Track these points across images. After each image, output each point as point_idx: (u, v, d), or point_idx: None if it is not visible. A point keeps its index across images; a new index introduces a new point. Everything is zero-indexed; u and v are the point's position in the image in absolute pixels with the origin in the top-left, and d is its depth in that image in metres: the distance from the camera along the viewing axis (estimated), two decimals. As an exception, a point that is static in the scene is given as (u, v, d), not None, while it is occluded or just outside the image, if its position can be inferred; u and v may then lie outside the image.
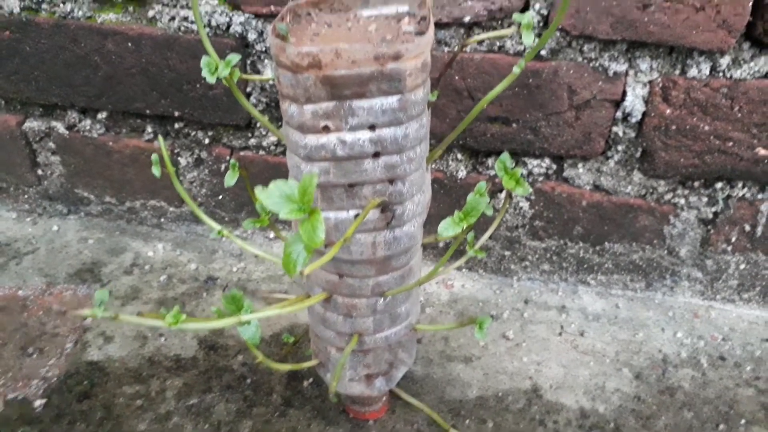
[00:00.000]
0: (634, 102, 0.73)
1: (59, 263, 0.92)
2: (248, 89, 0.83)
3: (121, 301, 0.86)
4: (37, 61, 0.87)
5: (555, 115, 0.76)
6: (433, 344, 0.78)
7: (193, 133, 0.90)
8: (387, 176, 0.48)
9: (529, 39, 0.44)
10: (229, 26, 0.79)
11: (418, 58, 0.43)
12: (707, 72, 0.70)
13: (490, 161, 0.82)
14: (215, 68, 0.49)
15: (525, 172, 0.81)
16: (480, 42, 0.73)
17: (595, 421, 0.69)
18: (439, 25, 0.72)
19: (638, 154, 0.77)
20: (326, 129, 0.46)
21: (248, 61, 0.81)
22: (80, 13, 0.82)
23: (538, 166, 0.80)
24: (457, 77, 0.75)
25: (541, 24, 0.71)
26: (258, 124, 0.86)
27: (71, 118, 0.93)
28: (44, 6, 0.82)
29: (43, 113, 0.94)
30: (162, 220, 0.98)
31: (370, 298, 0.56)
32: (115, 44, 0.83)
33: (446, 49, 0.74)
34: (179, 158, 0.92)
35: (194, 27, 0.80)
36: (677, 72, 0.71)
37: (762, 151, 0.72)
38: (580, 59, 0.72)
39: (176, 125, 0.89)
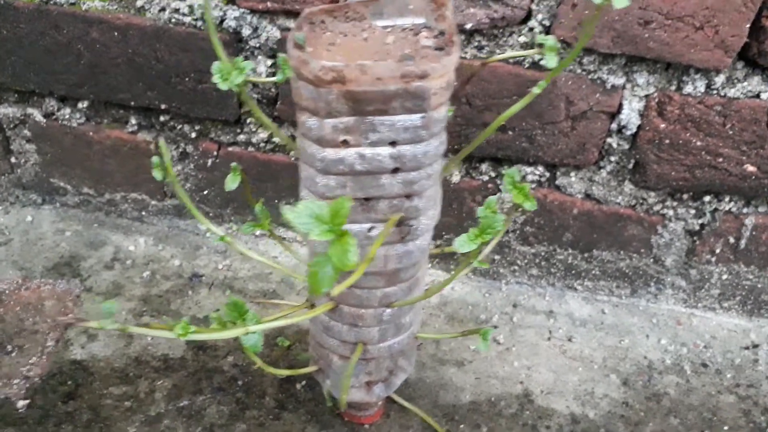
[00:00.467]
0: (630, 115, 0.74)
1: (35, 256, 0.89)
2: (241, 84, 0.81)
3: (103, 297, 0.83)
4: (14, 46, 0.83)
5: (551, 125, 0.76)
6: (425, 347, 0.78)
7: (179, 127, 0.87)
8: (404, 192, 0.47)
9: (553, 61, 0.44)
10: (222, 21, 0.76)
11: (443, 77, 0.43)
12: (702, 89, 0.71)
13: (483, 166, 0.82)
14: (228, 75, 0.47)
15: (518, 178, 0.81)
16: (480, 48, 0.73)
17: (586, 427, 0.71)
18: (441, 30, 0.72)
19: (630, 166, 0.78)
20: (345, 143, 0.45)
21: (241, 57, 0.79)
22: (64, -2, 0.79)
23: (531, 173, 0.81)
24: (455, 84, 0.74)
25: (542, 34, 0.71)
26: (248, 120, 0.85)
27: (49, 105, 0.89)
28: (27, -11, 0.78)
29: (19, 99, 0.90)
30: (143, 213, 0.96)
31: (377, 308, 0.55)
32: (100, 33, 0.80)
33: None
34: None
35: (185, 19, 0.77)
36: (673, 88, 0.72)
37: (750, 168, 0.74)
38: (579, 71, 0.72)
39: (161, 118, 0.87)
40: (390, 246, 0.50)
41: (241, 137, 0.86)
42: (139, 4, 0.77)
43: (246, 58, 0.79)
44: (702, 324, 0.84)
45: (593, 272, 0.86)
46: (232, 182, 0.59)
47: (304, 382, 0.73)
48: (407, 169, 0.46)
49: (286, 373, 0.65)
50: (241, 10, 0.75)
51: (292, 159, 0.86)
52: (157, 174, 0.55)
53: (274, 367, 0.63)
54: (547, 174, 0.81)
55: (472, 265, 0.62)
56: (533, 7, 0.69)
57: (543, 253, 0.86)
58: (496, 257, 0.88)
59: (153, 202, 0.94)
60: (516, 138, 0.77)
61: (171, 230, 0.94)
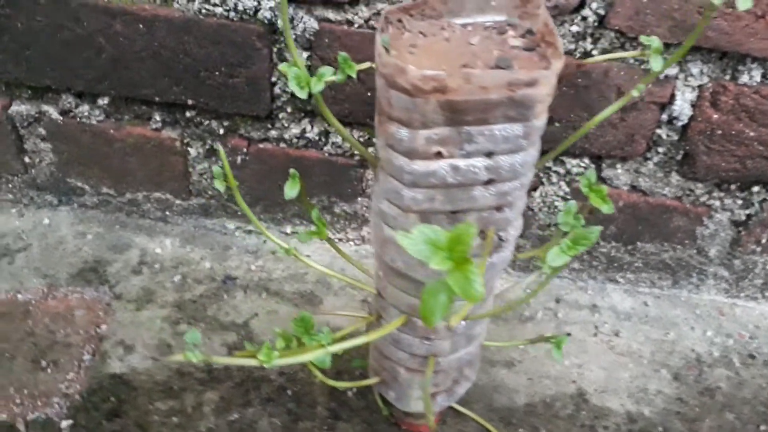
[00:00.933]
0: (683, 106, 0.72)
1: (57, 262, 0.85)
2: (273, 79, 0.78)
3: (135, 305, 0.80)
4: (29, 40, 0.78)
5: (600, 116, 0.74)
6: (473, 348, 0.76)
7: (206, 123, 0.83)
8: (496, 203, 0.45)
9: (658, 63, 0.41)
10: (257, 11, 0.72)
11: (550, 84, 0.40)
12: (758, 79, 0.69)
13: (525, 159, 0.79)
14: (305, 82, 0.44)
15: (563, 171, 0.79)
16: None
17: (643, 426, 0.70)
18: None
19: (679, 157, 0.76)
20: (438, 155, 0.42)
21: (275, 49, 0.75)
22: (84, -11, 0.74)
23: (576, 165, 0.79)
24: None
25: (595, 24, 0.68)
26: (280, 115, 0.81)
27: (66, 102, 0.84)
28: (44, -19, 0.73)
29: (33, 96, 0.85)
30: (167, 213, 0.92)
31: (451, 321, 0.53)
32: (124, 25, 0.75)
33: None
34: (189, 148, 0.86)
35: (217, 10, 0.73)
36: (727, 77, 0.70)
37: (804, 157, 0.73)
38: (631, 61, 0.70)
39: (187, 113, 0.83)
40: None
41: (273, 133, 0.83)
42: (165, -5, 0.73)
43: (280, 51, 0.75)
44: (745, 314, 0.84)
45: (635, 264, 0.85)
46: (291, 189, 0.55)
47: (355, 389, 0.71)
48: (502, 180, 0.44)
49: (348, 385, 0.63)
50: None
51: (326, 155, 0.83)
52: (219, 185, 0.52)
53: (342, 382, 0.61)
54: (593, 166, 0.79)
55: (544, 269, 0.60)
56: (588, -5, 0.67)
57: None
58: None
59: (178, 202, 0.90)
60: (563, 129, 0.75)
61: (197, 230, 0.91)
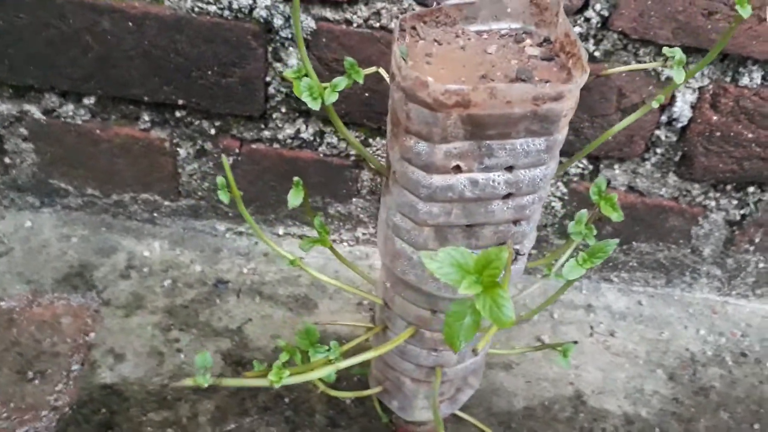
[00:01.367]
0: (683, 107, 0.72)
1: (42, 266, 0.82)
2: (267, 78, 0.75)
3: (124, 311, 0.78)
4: (12, 39, 0.75)
5: (600, 117, 0.74)
6: (472, 351, 0.76)
7: (196, 123, 0.81)
8: (514, 217, 0.44)
9: (680, 76, 0.41)
10: (252, 9, 0.70)
11: (575, 97, 0.39)
12: (759, 81, 0.70)
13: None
14: (318, 93, 0.42)
15: (560, 171, 0.79)
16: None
17: (641, 427, 0.70)
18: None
19: (677, 158, 0.76)
20: (457, 169, 0.41)
21: (270, 48, 0.73)
22: (69, -16, 0.71)
23: (575, 166, 0.79)
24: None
25: (599, 25, 0.68)
26: (274, 115, 0.79)
27: (50, 102, 0.81)
28: (26, -25, 0.70)
29: (14, 95, 0.81)
30: (155, 214, 0.89)
31: (461, 332, 0.52)
32: (113, 23, 0.72)
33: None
34: (178, 149, 0.83)
35: (210, 8, 0.70)
36: (728, 79, 0.70)
37: (799, 160, 0.73)
38: (633, 63, 0.70)
39: (177, 113, 0.80)
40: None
41: (266, 133, 0.80)
42: (155, -9, 0.70)
43: (276, 50, 0.73)
44: (736, 312, 0.85)
45: (630, 264, 0.85)
46: (294, 198, 0.54)
47: (352, 397, 0.70)
48: (521, 194, 0.43)
49: (350, 395, 0.62)
50: (273, -2, 0.69)
51: (321, 155, 0.82)
52: (223, 196, 0.50)
53: (344, 392, 0.59)
54: (591, 167, 0.79)
55: (551, 277, 0.59)
56: (591, -4, 0.66)
57: (581, 247, 0.84)
58: (533, 251, 0.86)
59: (166, 203, 0.88)
60: (562, 132, 0.75)
61: (187, 232, 0.89)
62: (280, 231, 0.89)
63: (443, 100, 0.38)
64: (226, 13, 0.70)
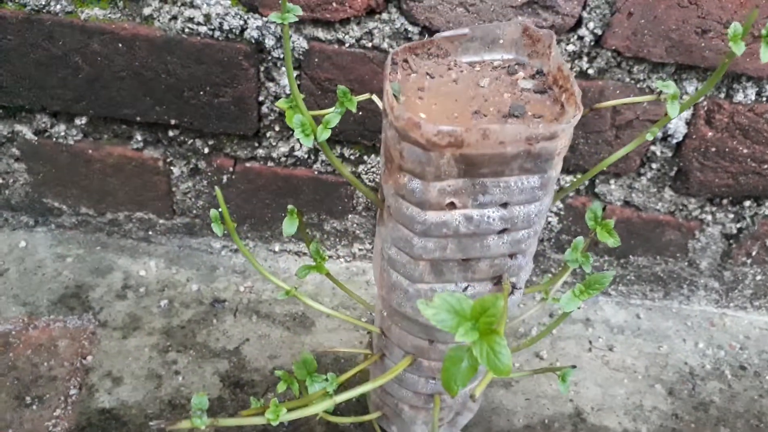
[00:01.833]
0: (677, 124, 0.72)
1: (37, 288, 0.82)
2: (260, 98, 0.75)
3: (121, 332, 0.77)
4: (0, 60, 0.74)
5: (595, 134, 0.73)
6: (470, 369, 0.76)
7: (190, 142, 0.80)
8: (510, 251, 0.44)
9: (675, 110, 0.40)
10: (243, 30, 0.70)
11: (568, 136, 0.39)
12: (753, 97, 0.69)
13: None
14: (310, 130, 0.42)
15: (556, 187, 0.79)
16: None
17: (641, 445, 0.71)
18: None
19: (672, 173, 0.76)
20: (451, 206, 0.41)
21: (262, 68, 0.73)
22: (58, 6, 0.70)
23: (570, 181, 0.78)
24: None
25: (592, 43, 0.67)
26: (268, 134, 0.78)
27: (41, 122, 0.80)
28: (15, -1, 0.69)
29: (4, 116, 0.81)
30: (150, 233, 0.89)
31: (458, 360, 0.52)
32: (102, 44, 0.72)
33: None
34: (172, 167, 0.83)
35: (201, 29, 0.70)
36: (722, 96, 0.70)
37: (795, 174, 0.73)
38: (627, 80, 0.69)
39: (170, 133, 0.80)
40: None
41: (260, 151, 0.80)
42: (146, 12, 0.69)
43: (268, 70, 0.73)
44: (734, 324, 0.85)
45: (628, 277, 0.85)
46: (289, 226, 0.53)
47: (352, 422, 0.70)
48: (516, 229, 0.42)
49: (350, 420, 0.62)
50: (264, 18, 0.69)
51: (315, 173, 0.81)
52: (217, 229, 0.50)
53: (342, 417, 0.59)
54: (586, 182, 0.79)
55: (548, 301, 0.59)
56: (584, 14, 0.65)
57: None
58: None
59: (161, 221, 0.88)
60: (557, 148, 0.74)
61: (182, 250, 0.88)
62: (276, 248, 0.89)
63: (436, 141, 0.37)
64: (217, 33, 0.70)
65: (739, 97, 0.69)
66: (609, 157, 0.49)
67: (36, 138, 0.82)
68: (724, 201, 0.78)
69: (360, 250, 0.88)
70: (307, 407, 0.46)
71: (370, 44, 0.69)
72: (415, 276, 0.45)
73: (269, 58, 0.72)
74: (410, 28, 0.67)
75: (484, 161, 0.38)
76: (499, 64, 0.45)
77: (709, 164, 0.74)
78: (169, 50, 0.71)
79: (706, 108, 0.70)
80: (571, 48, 0.68)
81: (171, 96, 0.75)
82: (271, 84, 0.74)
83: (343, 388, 0.55)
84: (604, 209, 0.51)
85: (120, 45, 0.72)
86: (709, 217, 0.79)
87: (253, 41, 0.70)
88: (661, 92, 0.40)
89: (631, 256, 0.83)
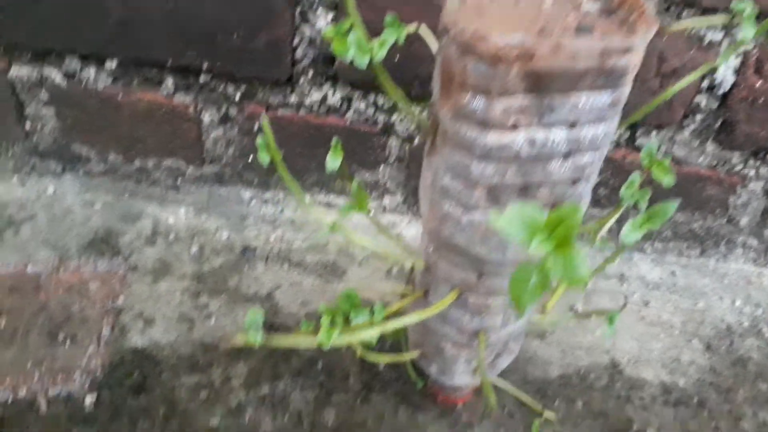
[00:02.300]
0: (725, 73, 0.70)
1: (66, 233, 0.81)
2: (294, 42, 0.73)
3: (152, 277, 0.77)
4: (31, 1, 0.72)
5: (639, 83, 0.71)
6: (504, 320, 0.75)
7: (221, 88, 0.79)
8: (572, 177, 0.42)
9: (750, 32, 0.38)
10: (281, -33, 0.68)
11: (641, 52, 0.37)
12: (807, 43, 0.67)
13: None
14: (367, 48, 0.41)
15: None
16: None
17: (679, 396, 0.70)
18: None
19: (716, 125, 0.74)
20: (515, 126, 0.39)
21: (298, 10, 0.71)
22: (92, -59, 0.68)
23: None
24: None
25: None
26: (301, 80, 0.77)
27: (70, 66, 0.79)
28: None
29: (34, 59, 0.79)
30: (179, 181, 0.88)
31: (506, 297, 0.51)
32: (137, -18, 0.70)
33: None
34: (202, 114, 0.81)
35: (238, -35, 0.68)
36: (775, 42, 0.68)
37: None
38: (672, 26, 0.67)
39: (201, 78, 0.78)
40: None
41: (293, 99, 0.79)
42: (181, -52, 0.68)
43: (303, 12, 0.71)
44: (771, 283, 0.83)
45: (664, 234, 0.84)
46: (333, 161, 0.52)
47: (393, 361, 0.70)
48: (582, 152, 0.41)
49: (387, 359, 0.61)
50: (303, -44, 0.67)
51: (348, 122, 0.80)
52: (263, 157, 0.48)
53: (381, 354, 0.59)
54: (627, 134, 0.77)
55: (596, 245, 0.58)
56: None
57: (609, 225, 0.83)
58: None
59: (190, 169, 0.87)
60: (599, 97, 0.72)
61: (212, 199, 0.87)
62: (306, 198, 0.88)
63: (504, 54, 0.36)
64: (255, -29, 0.68)
65: (792, 43, 0.67)
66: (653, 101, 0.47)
67: (65, 82, 0.80)
68: (768, 155, 0.76)
69: (391, 203, 0.87)
70: (356, 333, 0.46)
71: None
72: (470, 204, 0.44)
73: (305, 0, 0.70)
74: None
75: (554, 77, 0.37)
76: (561, -15, 0.43)
77: (757, 116, 0.72)
78: (205, -12, 0.70)
79: (756, 56, 0.68)
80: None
81: (204, 39, 0.73)
82: (306, 27, 0.72)
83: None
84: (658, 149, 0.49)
85: (154, -18, 0.70)
86: (752, 172, 0.77)
87: (291, -21, 0.68)
88: (734, 15, 0.39)
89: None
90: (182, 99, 0.80)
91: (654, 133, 0.76)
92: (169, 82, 0.79)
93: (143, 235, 0.82)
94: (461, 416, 0.66)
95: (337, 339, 0.44)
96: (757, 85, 0.70)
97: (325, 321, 0.51)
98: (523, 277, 0.34)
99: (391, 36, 0.41)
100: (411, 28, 0.49)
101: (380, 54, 0.40)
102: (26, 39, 0.76)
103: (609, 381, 0.70)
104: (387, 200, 0.87)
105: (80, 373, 0.66)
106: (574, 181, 0.43)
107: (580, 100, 0.38)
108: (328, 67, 0.75)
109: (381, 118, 0.79)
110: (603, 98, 0.38)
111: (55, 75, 0.80)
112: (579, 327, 0.76)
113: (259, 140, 0.48)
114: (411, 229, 0.86)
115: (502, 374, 0.69)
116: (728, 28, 0.67)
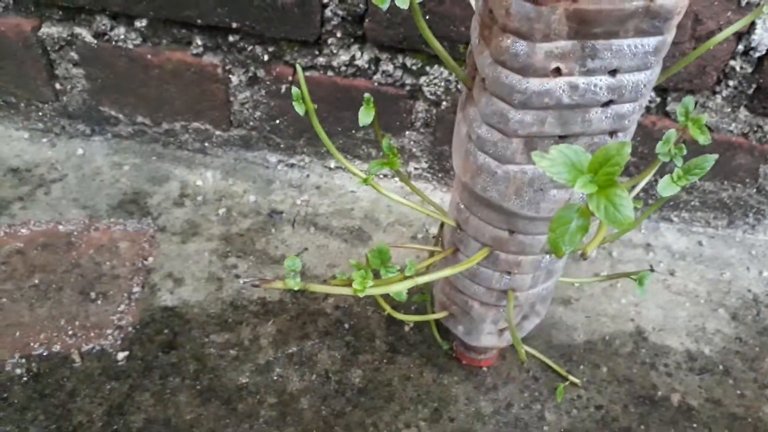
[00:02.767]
0: (762, 36, 0.68)
1: (96, 193, 0.82)
2: (324, 0, 0.73)
3: (181, 237, 0.78)
4: (63, -45, 0.73)
5: (673, 46, 0.70)
6: (529, 285, 0.75)
7: (249, 48, 0.79)
8: (611, 128, 0.42)
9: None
10: (313, -76, 0.67)
11: (688, -3, 0.37)
12: None
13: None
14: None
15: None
16: None
17: (704, 364, 0.69)
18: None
19: (750, 91, 0.73)
20: (556, 72, 0.39)
21: (329, -32, 0.70)
22: None
23: (641, 99, 0.75)
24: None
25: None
26: (329, 41, 0.77)
27: (100, 24, 0.79)
28: None
29: (64, 17, 0.80)
30: (206, 144, 0.88)
31: (536, 255, 0.51)
32: (168, -61, 0.70)
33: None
34: (230, 76, 0.82)
35: (269, -77, 0.67)
36: (816, 4, 0.66)
37: None
38: (715, -14, 0.66)
39: (230, 38, 0.78)
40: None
41: (320, 60, 0.78)
42: None
43: (335, -30, 0.70)
44: (801, 255, 0.82)
45: (692, 203, 0.83)
46: (365, 116, 0.52)
47: (412, 324, 0.70)
48: (622, 101, 0.40)
49: (414, 319, 0.62)
50: None
51: (375, 84, 0.79)
52: (299, 108, 0.48)
53: (408, 315, 0.59)
54: (658, 99, 0.76)
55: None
56: None
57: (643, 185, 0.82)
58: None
59: (218, 132, 0.87)
60: (632, 61, 0.71)
61: (238, 163, 0.88)
62: (332, 164, 0.88)
63: (551, -7, 0.35)
64: (288, -72, 0.67)
65: (833, 6, 0.65)
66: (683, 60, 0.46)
67: (95, 41, 0.81)
68: (804, 123, 0.75)
69: (416, 169, 0.87)
70: (390, 285, 0.46)
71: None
72: (506, 156, 0.44)
73: (337, -43, 0.69)
74: None
75: (599, 19, 0.36)
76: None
77: (793, 81, 0.71)
78: (235, -54, 0.69)
79: (796, 18, 0.67)
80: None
81: (234, -3, 0.73)
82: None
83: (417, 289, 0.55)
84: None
85: (185, -60, 0.70)
86: (786, 140, 0.76)
87: (323, -63, 0.68)
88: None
89: (697, 181, 0.81)
90: (210, 59, 0.80)
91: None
92: (198, 41, 0.79)
93: (171, 197, 0.83)
94: (486, 378, 0.66)
95: (370, 289, 0.44)
96: (796, 49, 0.68)
97: (357, 276, 0.51)
98: (565, 218, 0.34)
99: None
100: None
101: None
102: (57, -3, 0.77)
103: (634, 347, 0.70)
104: (412, 166, 0.87)
105: (113, 329, 0.68)
106: (613, 133, 0.42)
107: (623, 45, 0.37)
108: (356, 27, 0.75)
109: (409, 80, 0.78)
110: (647, 43, 0.38)
111: (85, 34, 0.80)
112: (604, 295, 0.75)
113: (294, 89, 0.48)
114: (436, 196, 0.86)
115: (527, 339, 0.70)
116: (767, -9, 0.66)
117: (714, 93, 0.74)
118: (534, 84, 0.39)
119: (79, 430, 0.59)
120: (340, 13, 0.74)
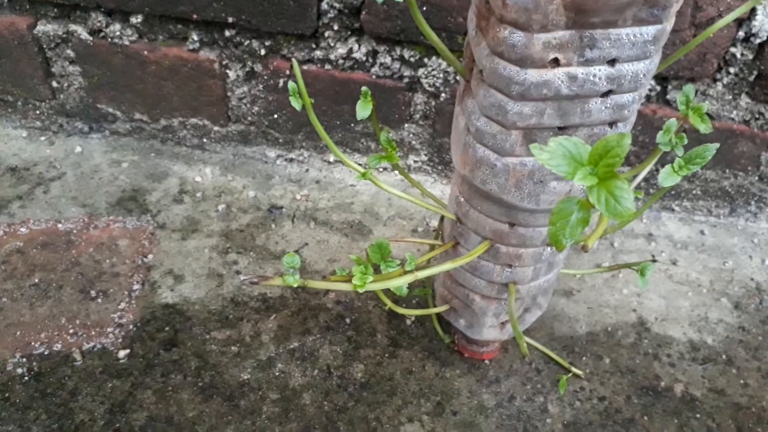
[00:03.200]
0: (763, 22, 0.68)
1: (95, 191, 0.82)
2: (321, -7, 0.72)
3: (180, 234, 0.77)
4: (57, -48, 0.72)
5: (672, 33, 0.70)
6: (530, 277, 0.74)
7: (246, 43, 0.78)
8: (611, 118, 0.41)
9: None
10: None
11: (689, -19, 0.36)
12: None
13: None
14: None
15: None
16: None
17: (707, 354, 0.69)
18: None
19: (751, 78, 0.72)
20: (555, 62, 0.39)
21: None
22: None
23: (642, 88, 0.75)
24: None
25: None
26: (326, 34, 0.76)
27: (96, 21, 0.79)
28: None
29: (60, 15, 0.79)
30: (204, 140, 0.88)
31: (538, 247, 0.51)
32: (162, -67, 0.69)
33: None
34: (227, 71, 0.81)
35: None
36: (817, -11, 0.65)
37: None
38: (714, -29, 0.65)
39: (226, 33, 0.78)
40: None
41: (318, 53, 0.78)
42: None
43: (331, -37, 0.70)
44: (803, 242, 0.82)
45: (693, 192, 0.82)
46: (363, 109, 0.52)
47: (413, 318, 0.70)
48: (621, 91, 0.40)
49: (419, 312, 0.61)
50: None
51: (373, 77, 0.79)
52: (295, 103, 0.48)
53: (408, 309, 0.59)
54: (658, 88, 0.75)
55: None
56: None
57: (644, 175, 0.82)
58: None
59: (216, 128, 0.87)
60: (631, 50, 0.71)
61: (237, 158, 0.87)
62: (331, 158, 0.88)
63: (549, -17, 0.35)
64: None
65: (835, -9, 0.65)
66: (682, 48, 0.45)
67: (91, 38, 0.80)
68: (806, 109, 0.74)
69: (415, 162, 0.87)
70: (389, 280, 0.46)
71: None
72: (505, 148, 0.43)
73: (332, -51, 0.69)
74: None
75: (597, 8, 0.36)
76: None
77: (795, 67, 0.70)
78: (230, -60, 0.69)
79: (797, 4, 0.66)
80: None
81: (229, -9, 0.73)
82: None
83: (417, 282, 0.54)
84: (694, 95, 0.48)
85: (179, -66, 0.69)
86: (787, 128, 0.75)
87: (318, -71, 0.67)
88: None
89: (698, 169, 0.80)
90: (207, 54, 0.80)
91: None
92: (194, 36, 0.78)
93: (170, 194, 0.82)
94: (488, 371, 0.66)
95: (370, 285, 0.44)
96: (797, 35, 0.68)
97: (357, 271, 0.51)
98: (565, 210, 0.33)
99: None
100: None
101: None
102: (51, -5, 0.76)
103: (636, 338, 0.70)
104: (411, 159, 0.86)
105: (113, 327, 0.67)
106: (613, 124, 0.42)
107: (622, 34, 0.37)
108: (353, 20, 0.74)
109: (407, 73, 0.78)
110: (646, 32, 0.37)
111: (80, 31, 0.80)
112: (606, 285, 0.75)
113: (290, 84, 0.48)
114: (436, 189, 0.85)
115: (529, 331, 0.69)
116: (768, -24, 0.65)
117: (715, 80, 0.74)
118: (532, 75, 0.39)
119: (81, 428, 0.59)
120: (337, 5, 0.73)
